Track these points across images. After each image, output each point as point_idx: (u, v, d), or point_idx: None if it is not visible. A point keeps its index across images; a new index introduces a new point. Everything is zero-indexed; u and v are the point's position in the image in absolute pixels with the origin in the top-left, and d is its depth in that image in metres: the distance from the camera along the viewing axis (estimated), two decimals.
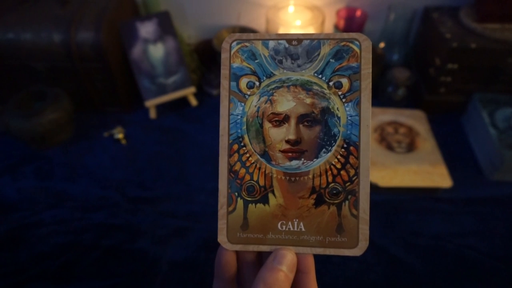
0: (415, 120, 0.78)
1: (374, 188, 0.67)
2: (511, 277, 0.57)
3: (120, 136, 0.79)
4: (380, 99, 0.86)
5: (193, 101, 0.85)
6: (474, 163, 0.73)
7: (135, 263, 0.60)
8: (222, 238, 0.26)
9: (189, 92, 0.83)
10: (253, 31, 0.90)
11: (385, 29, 0.87)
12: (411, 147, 0.73)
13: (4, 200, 0.69)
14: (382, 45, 0.89)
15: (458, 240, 0.61)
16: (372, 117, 0.78)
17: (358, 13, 0.85)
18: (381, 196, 0.67)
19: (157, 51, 0.80)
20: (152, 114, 0.83)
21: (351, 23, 0.86)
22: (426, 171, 0.68)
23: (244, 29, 0.91)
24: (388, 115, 0.79)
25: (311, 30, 0.81)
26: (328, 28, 0.91)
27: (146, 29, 0.79)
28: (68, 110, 0.76)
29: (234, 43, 0.27)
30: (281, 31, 0.82)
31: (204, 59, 0.91)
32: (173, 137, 0.80)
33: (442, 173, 0.68)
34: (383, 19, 0.87)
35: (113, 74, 0.77)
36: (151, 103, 0.81)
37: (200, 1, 0.91)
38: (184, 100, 0.85)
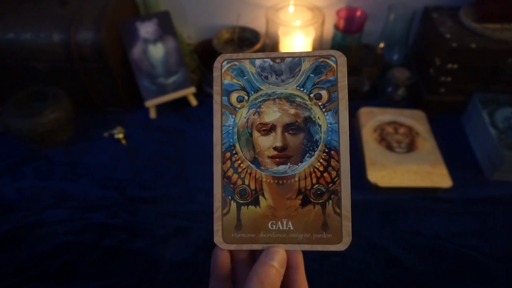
0: (415, 120, 0.78)
1: (374, 188, 0.67)
2: (511, 277, 0.57)
3: (120, 136, 0.79)
4: (380, 99, 0.86)
5: (193, 101, 0.85)
6: (474, 163, 0.73)
7: (135, 263, 0.60)
8: (218, 238, 0.28)
9: (189, 92, 0.83)
10: (253, 31, 0.90)
11: (385, 29, 0.87)
12: (411, 147, 0.73)
13: (4, 200, 0.69)
14: (382, 45, 0.89)
15: (458, 240, 0.61)
16: (372, 117, 0.78)
17: (358, 13, 0.85)
18: (381, 196, 0.67)
19: (157, 51, 0.80)
20: (152, 114, 0.83)
21: (351, 23, 0.86)
22: (426, 171, 0.68)
23: (244, 29, 0.91)
24: (388, 115, 0.79)
25: (311, 30, 0.81)
26: (328, 28, 0.91)
27: (146, 29, 0.79)
28: (68, 110, 0.76)
29: (225, 62, 0.30)
30: (281, 31, 0.82)
31: (204, 59, 0.91)
32: (173, 137, 0.80)
33: (442, 173, 0.68)
34: (383, 19, 0.87)
35: (113, 74, 0.77)
36: (151, 103, 0.81)
37: (200, 1, 0.91)
38: (184, 100, 0.85)
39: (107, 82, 0.79)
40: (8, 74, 0.79)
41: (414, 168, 0.69)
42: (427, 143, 0.73)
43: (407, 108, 0.81)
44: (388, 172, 0.68)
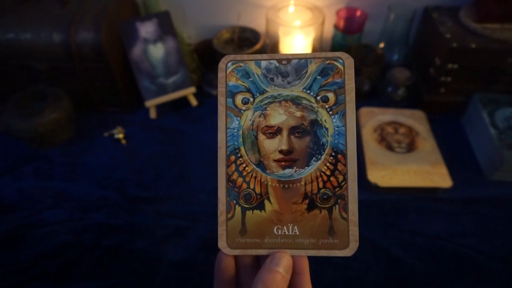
0: (415, 120, 0.78)
1: (374, 188, 0.67)
2: (511, 277, 0.57)
3: (120, 136, 0.79)
4: (380, 99, 0.86)
5: (193, 101, 0.85)
6: (474, 163, 0.73)
7: (135, 263, 0.60)
8: (222, 243, 0.28)
9: (189, 92, 0.83)
10: (253, 31, 0.90)
11: (385, 29, 0.87)
12: (411, 147, 0.73)
13: (4, 200, 0.69)
14: (382, 45, 0.89)
15: (458, 240, 0.61)
16: (372, 117, 0.78)
17: (358, 13, 0.85)
18: (381, 196, 0.67)
19: (157, 51, 0.80)
20: (152, 114, 0.83)
21: (351, 23, 0.86)
22: (426, 171, 0.68)
23: (244, 29, 0.91)
24: (388, 115, 0.79)
25: (311, 30, 0.81)
26: (328, 28, 0.91)
27: (146, 29, 0.79)
28: (68, 110, 0.76)
29: (230, 63, 0.29)
30: (281, 31, 0.82)
31: (204, 59, 0.91)
32: (173, 137, 0.80)
33: (442, 173, 0.68)
34: (383, 19, 0.87)
35: (113, 74, 0.77)
36: (151, 103, 0.81)
37: (200, 1, 0.91)
38: (184, 100, 0.85)
39: (107, 82, 0.79)
40: (8, 74, 0.79)
41: (414, 168, 0.69)
42: (427, 143, 0.73)
43: (407, 108, 0.81)
44: (388, 172, 0.68)
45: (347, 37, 0.86)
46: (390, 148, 0.73)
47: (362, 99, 0.85)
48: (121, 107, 0.85)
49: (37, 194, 0.70)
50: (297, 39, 0.81)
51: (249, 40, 0.91)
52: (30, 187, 0.71)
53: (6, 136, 0.77)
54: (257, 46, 0.85)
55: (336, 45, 0.89)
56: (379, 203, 0.67)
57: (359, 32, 0.86)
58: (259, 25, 0.92)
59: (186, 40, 0.90)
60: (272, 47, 0.88)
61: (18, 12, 0.76)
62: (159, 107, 0.84)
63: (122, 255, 0.61)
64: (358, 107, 0.81)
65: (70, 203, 0.68)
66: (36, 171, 0.74)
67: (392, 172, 0.68)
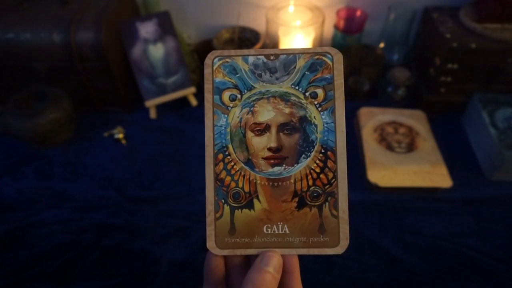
0: (415, 120, 0.78)
1: (374, 188, 0.67)
2: (511, 277, 0.57)
3: (120, 136, 0.79)
4: (380, 99, 0.86)
5: (193, 101, 0.85)
6: (474, 163, 0.73)
7: (135, 263, 0.60)
8: (211, 244, 0.27)
9: (189, 92, 0.83)
10: (253, 31, 0.90)
11: (385, 29, 0.87)
12: (411, 147, 0.73)
13: (4, 200, 0.69)
14: (382, 45, 0.89)
15: (458, 240, 0.61)
16: (372, 117, 0.78)
17: (358, 13, 0.85)
18: (381, 196, 0.67)
19: (157, 51, 0.80)
20: (152, 114, 0.83)
21: (351, 23, 0.86)
22: (426, 171, 0.68)
23: (244, 29, 0.91)
24: (388, 115, 0.79)
25: (311, 30, 0.81)
26: (328, 28, 0.91)
27: (146, 29, 0.79)
28: (68, 110, 0.76)
29: (216, 59, 0.29)
30: (281, 31, 0.82)
31: (204, 59, 0.90)
32: (173, 137, 0.80)
33: (442, 173, 0.68)
34: (383, 19, 0.87)
35: (113, 74, 0.77)
36: (151, 103, 0.81)
37: (200, 1, 0.91)
38: (184, 100, 0.85)
39: (107, 82, 0.79)
40: (8, 74, 0.79)
41: (414, 168, 0.69)
42: (427, 143, 0.73)
43: (407, 108, 0.81)
44: (388, 172, 0.68)
45: (347, 37, 0.86)
46: (390, 148, 0.73)
47: (362, 99, 0.85)
48: (121, 107, 0.85)
49: (37, 194, 0.70)
50: (297, 39, 0.81)
51: (249, 40, 0.91)
52: (30, 187, 0.71)
53: (6, 136, 0.77)
54: (257, 46, 0.85)
55: (336, 45, 0.89)
56: (379, 203, 0.67)
57: (359, 32, 0.86)
58: (259, 25, 0.92)
59: (186, 40, 0.90)
60: (272, 47, 0.88)
61: (18, 12, 0.76)
62: (159, 107, 0.84)
63: (122, 255, 0.61)
64: (358, 107, 0.81)
65: (70, 203, 0.68)
66: (36, 171, 0.74)
67: (392, 172, 0.68)
